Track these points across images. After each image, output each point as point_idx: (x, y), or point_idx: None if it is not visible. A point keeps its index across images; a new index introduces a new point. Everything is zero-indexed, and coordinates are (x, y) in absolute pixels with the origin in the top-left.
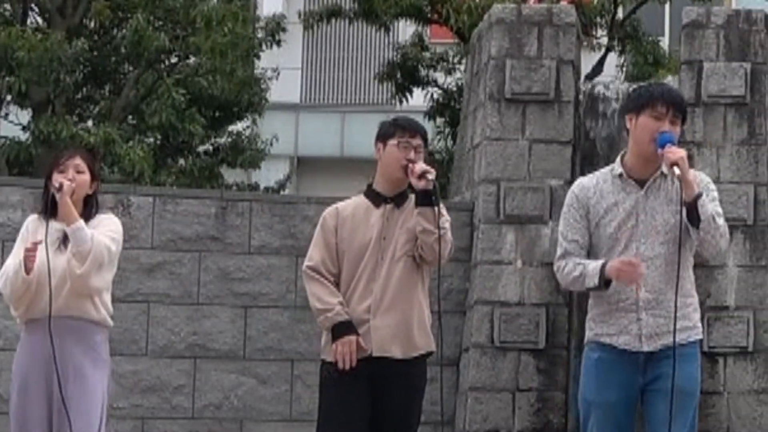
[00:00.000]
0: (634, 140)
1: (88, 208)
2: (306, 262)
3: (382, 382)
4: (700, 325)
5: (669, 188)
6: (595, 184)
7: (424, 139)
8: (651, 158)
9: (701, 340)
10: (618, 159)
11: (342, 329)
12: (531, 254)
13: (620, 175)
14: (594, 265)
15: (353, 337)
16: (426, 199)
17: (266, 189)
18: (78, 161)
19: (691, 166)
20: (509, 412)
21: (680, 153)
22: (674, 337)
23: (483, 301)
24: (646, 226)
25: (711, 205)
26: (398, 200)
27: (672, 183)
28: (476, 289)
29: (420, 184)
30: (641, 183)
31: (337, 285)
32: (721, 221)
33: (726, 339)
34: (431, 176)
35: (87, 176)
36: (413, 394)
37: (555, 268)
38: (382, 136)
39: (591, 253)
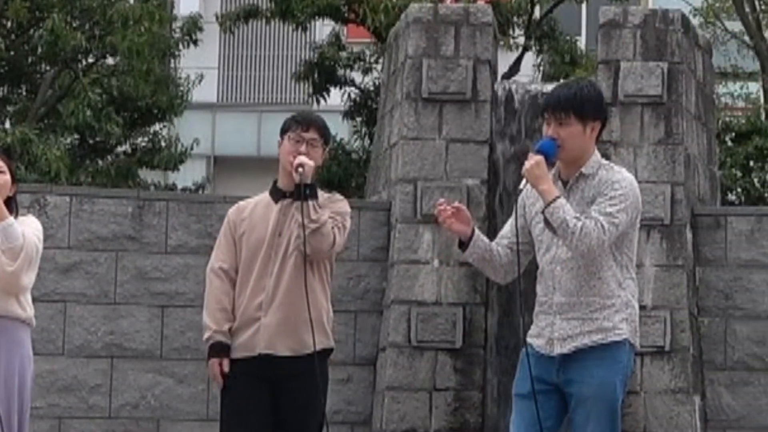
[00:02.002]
0: None
1: (10, 210)
2: (210, 262)
3: (278, 380)
4: (623, 326)
5: (584, 188)
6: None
7: (323, 133)
8: (564, 161)
9: (627, 341)
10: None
11: (214, 349)
12: (448, 254)
13: (553, 176)
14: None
15: (215, 360)
16: (300, 192)
17: (184, 190)
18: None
19: None
20: (426, 412)
21: (528, 164)
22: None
23: (400, 301)
24: None
25: (600, 206)
26: (293, 195)
27: (594, 183)
28: (393, 288)
29: (295, 178)
30: (566, 184)
31: (235, 282)
32: (579, 224)
33: (643, 338)
34: (302, 170)
35: (8, 177)
36: (310, 392)
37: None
38: (282, 132)
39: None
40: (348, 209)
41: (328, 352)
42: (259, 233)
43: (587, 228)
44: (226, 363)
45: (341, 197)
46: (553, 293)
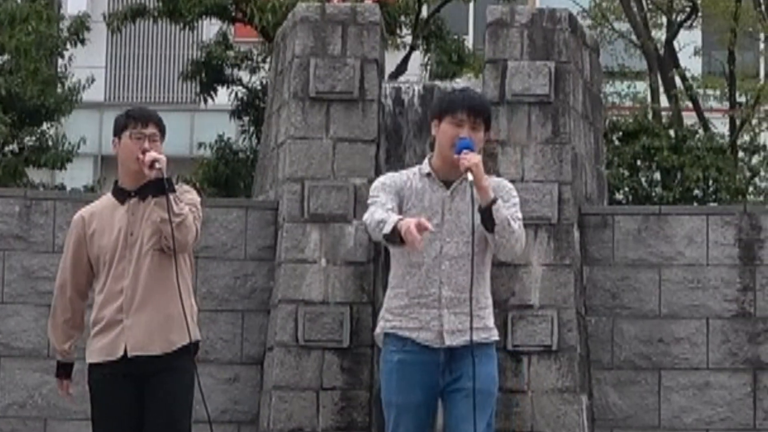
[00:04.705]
0: (438, 145)
1: None
2: (58, 277)
3: (147, 380)
4: (495, 328)
5: (471, 192)
6: (405, 179)
7: (161, 128)
8: (453, 162)
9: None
10: (426, 160)
11: (59, 368)
12: (335, 253)
13: (428, 175)
14: (395, 217)
15: (59, 380)
16: (159, 187)
17: (73, 190)
18: None
19: (493, 165)
20: (313, 411)
21: (475, 159)
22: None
23: (287, 300)
24: (451, 226)
25: (510, 210)
26: (143, 193)
27: (471, 187)
28: (280, 287)
29: (151, 174)
30: (448, 184)
31: (86, 295)
32: (516, 225)
33: (530, 338)
34: (159, 164)
35: None
36: (178, 388)
37: (364, 217)
38: (117, 130)
39: None
40: (198, 198)
41: (196, 346)
42: (110, 236)
43: (521, 231)
44: (67, 385)
45: (189, 187)
46: (441, 287)
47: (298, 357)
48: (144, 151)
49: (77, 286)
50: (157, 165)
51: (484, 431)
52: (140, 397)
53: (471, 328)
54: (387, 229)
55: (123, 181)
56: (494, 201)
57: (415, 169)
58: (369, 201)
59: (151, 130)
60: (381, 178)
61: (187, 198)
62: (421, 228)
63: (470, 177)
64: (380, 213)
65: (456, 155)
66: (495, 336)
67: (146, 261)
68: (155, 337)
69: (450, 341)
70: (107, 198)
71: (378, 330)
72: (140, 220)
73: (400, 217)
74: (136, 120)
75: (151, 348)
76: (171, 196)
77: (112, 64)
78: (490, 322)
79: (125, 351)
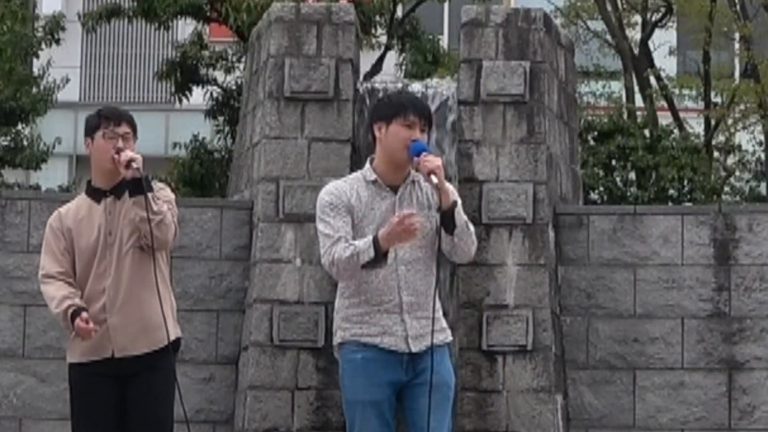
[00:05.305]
0: (385, 148)
1: None
2: (40, 272)
3: (129, 379)
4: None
5: (420, 194)
6: (350, 188)
7: (133, 126)
8: (402, 165)
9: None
10: (367, 165)
11: (74, 315)
12: (310, 253)
13: (374, 181)
14: (364, 240)
15: (78, 321)
16: (136, 187)
17: (48, 191)
18: None
19: (468, 165)
20: (288, 411)
21: (437, 162)
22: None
23: (262, 300)
24: None
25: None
26: (118, 192)
27: (422, 189)
28: (255, 287)
29: (128, 174)
30: (394, 189)
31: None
32: (472, 228)
33: (505, 337)
34: (136, 164)
35: None
36: (162, 387)
37: (325, 259)
38: (90, 130)
39: None
40: (173, 195)
41: (177, 343)
42: (89, 236)
43: (474, 234)
44: (84, 315)
45: (163, 184)
46: (400, 292)
47: (273, 357)
48: (119, 151)
49: (66, 275)
50: (133, 164)
51: (447, 423)
52: (122, 397)
53: (432, 331)
54: (367, 255)
55: (97, 180)
56: (455, 203)
57: (358, 175)
58: (318, 222)
59: (123, 129)
60: (326, 196)
61: (163, 195)
62: (405, 217)
63: (434, 180)
64: (343, 248)
65: (415, 158)
66: (450, 336)
67: (127, 260)
68: (139, 336)
69: (414, 347)
70: (81, 198)
71: (338, 339)
72: (118, 219)
73: (371, 236)
74: (109, 119)
75: (136, 347)
76: (149, 195)
77: (87, 64)
78: (445, 323)
79: (112, 351)
